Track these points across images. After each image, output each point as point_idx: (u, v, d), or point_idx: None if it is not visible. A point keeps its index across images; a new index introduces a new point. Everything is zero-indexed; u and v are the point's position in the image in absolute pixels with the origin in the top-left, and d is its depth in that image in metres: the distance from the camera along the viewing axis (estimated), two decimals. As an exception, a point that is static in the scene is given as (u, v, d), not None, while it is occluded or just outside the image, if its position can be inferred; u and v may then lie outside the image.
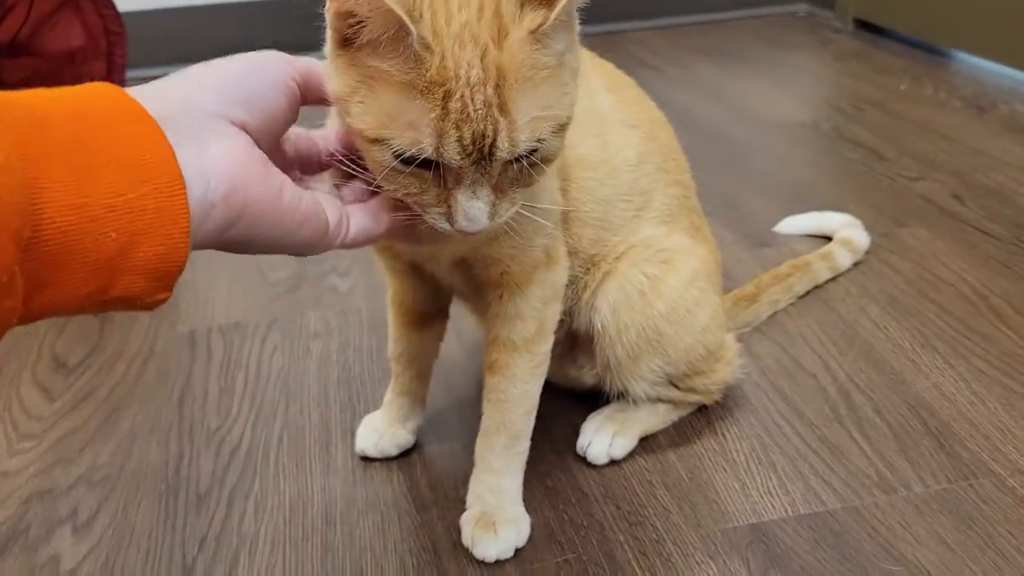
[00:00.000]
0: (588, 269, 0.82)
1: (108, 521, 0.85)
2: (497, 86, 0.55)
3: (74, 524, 0.85)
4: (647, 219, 0.83)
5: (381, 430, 0.90)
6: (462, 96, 0.54)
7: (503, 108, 0.55)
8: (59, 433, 0.98)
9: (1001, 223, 1.30)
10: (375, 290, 1.23)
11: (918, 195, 1.41)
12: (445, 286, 0.82)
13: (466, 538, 0.78)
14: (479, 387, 1.01)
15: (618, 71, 0.87)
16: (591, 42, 0.71)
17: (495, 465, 0.79)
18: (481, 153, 0.56)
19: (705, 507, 0.82)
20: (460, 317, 0.94)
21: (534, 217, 0.65)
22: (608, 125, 0.80)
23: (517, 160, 0.58)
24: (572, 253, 0.79)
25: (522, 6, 0.56)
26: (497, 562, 0.77)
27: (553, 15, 0.55)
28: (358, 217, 0.61)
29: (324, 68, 0.60)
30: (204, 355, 1.12)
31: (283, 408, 1.00)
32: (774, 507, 0.81)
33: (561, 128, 0.60)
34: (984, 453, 0.85)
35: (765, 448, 0.88)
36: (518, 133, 0.56)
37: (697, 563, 0.76)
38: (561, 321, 0.80)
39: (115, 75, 1.55)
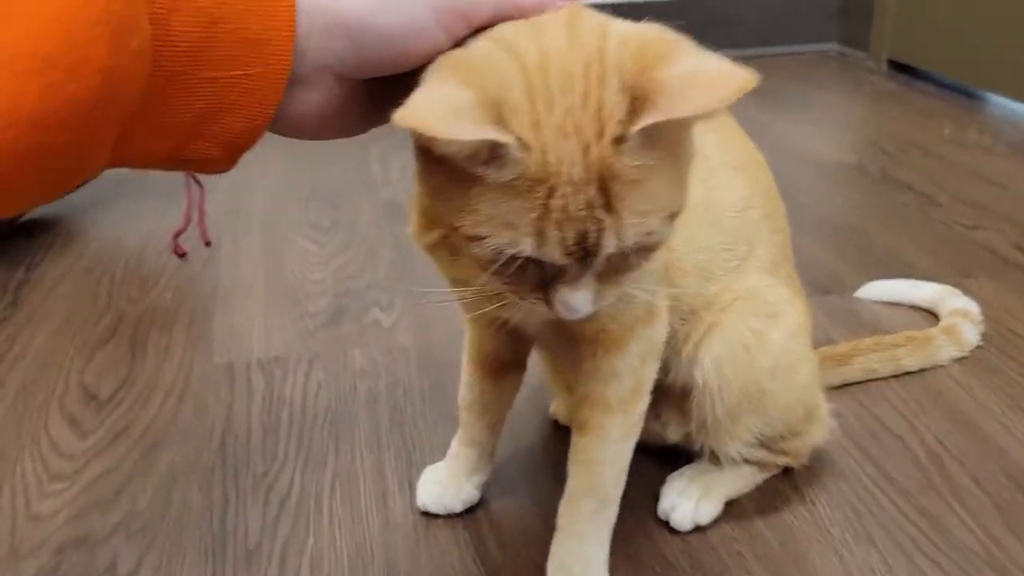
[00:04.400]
0: (686, 319, 0.76)
1: (151, 576, 0.79)
2: (601, 186, 0.51)
3: (114, 578, 0.79)
4: (751, 268, 0.77)
5: (444, 484, 0.84)
6: (564, 195, 0.50)
7: (608, 207, 0.51)
8: (93, 474, 0.92)
9: (1070, 277, 1.25)
10: (421, 327, 1.17)
11: (978, 244, 1.36)
12: (530, 339, 0.77)
13: (548, 612, 0.72)
14: (543, 437, 0.96)
15: None
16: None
17: (581, 531, 0.73)
18: (585, 251, 0.52)
19: (803, 583, 0.76)
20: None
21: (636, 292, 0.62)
22: (713, 168, 0.75)
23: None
24: (673, 305, 0.73)
25: (631, 100, 0.51)
26: (583, 638, 0.71)
27: (638, 127, 0.50)
28: None
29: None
30: (244, 391, 1.05)
31: (333, 452, 0.94)
32: (879, 585, 0.75)
33: (672, 216, 0.56)
34: (1096, 531, 0.80)
35: (860, 517, 0.82)
36: (625, 231, 0.52)
37: (801, 647, 0.70)
38: None
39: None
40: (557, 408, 0.97)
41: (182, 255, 1.41)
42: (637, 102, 0.50)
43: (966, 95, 2.13)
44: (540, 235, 0.51)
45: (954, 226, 1.43)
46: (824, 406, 0.86)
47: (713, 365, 0.76)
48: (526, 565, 0.78)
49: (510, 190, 0.50)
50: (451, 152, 0.50)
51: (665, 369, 0.77)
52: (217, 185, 1.68)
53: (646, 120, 0.49)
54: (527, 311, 0.60)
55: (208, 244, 1.44)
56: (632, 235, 0.52)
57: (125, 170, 0.55)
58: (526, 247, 0.51)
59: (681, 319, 0.75)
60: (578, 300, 0.54)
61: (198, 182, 1.60)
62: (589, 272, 0.54)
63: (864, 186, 1.62)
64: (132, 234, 1.50)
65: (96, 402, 1.04)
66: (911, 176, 1.64)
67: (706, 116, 0.50)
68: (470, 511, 0.85)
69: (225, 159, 0.56)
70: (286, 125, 0.57)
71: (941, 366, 1.04)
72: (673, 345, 0.75)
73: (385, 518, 0.85)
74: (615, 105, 0.50)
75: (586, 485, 0.72)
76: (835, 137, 1.90)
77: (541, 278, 0.55)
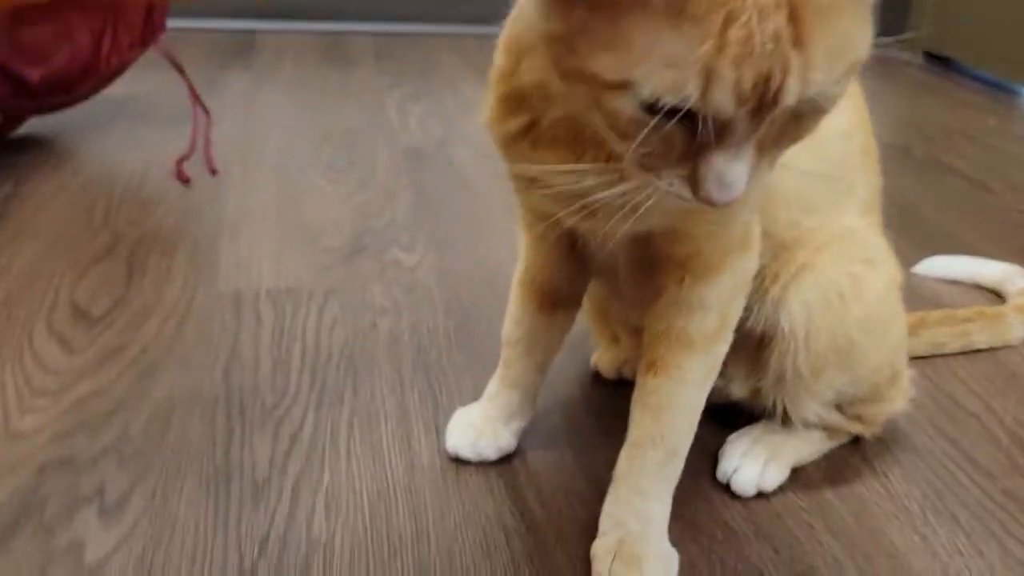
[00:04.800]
0: (777, 255, 0.67)
1: (143, 506, 0.69)
2: (791, 12, 0.41)
3: (101, 505, 0.69)
4: (848, 206, 0.69)
5: (480, 428, 0.75)
6: (747, 22, 0.40)
7: (798, 41, 0.42)
8: (80, 392, 0.82)
9: None
10: (445, 269, 1.08)
11: (1035, 232, 1.29)
12: (596, 263, 0.67)
13: (601, 573, 0.63)
14: (584, 389, 0.87)
15: None
16: None
17: (643, 485, 0.64)
18: (761, 100, 0.42)
19: (884, 562, 0.67)
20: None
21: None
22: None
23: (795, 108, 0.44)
24: (764, 236, 0.64)
25: None
26: (637, 606, 0.62)
27: None
28: None
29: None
30: (252, 321, 0.96)
31: (350, 390, 0.85)
32: (969, 570, 0.66)
33: (852, 69, 0.46)
34: None
35: (940, 496, 0.74)
36: (813, 74, 0.43)
37: (884, 631, 0.61)
38: None
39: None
40: (599, 359, 0.88)
41: (186, 181, 1.31)
42: None
43: (1002, 89, 2.06)
44: (711, 76, 0.41)
45: (1010, 212, 1.35)
46: (907, 373, 0.77)
47: (803, 310, 0.67)
48: (570, 522, 0.70)
49: (678, 16, 0.41)
50: None
51: (746, 311, 0.67)
52: (225, 117, 1.58)
53: None
54: (630, 207, 0.50)
55: (214, 173, 1.34)
56: (820, 80, 0.43)
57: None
58: (691, 92, 0.41)
59: (771, 255, 0.66)
60: (736, 173, 0.44)
61: (205, 109, 1.50)
62: (755, 135, 0.44)
63: (911, 168, 1.54)
64: (132, 158, 1.40)
65: (87, 320, 0.94)
66: (959, 162, 1.57)
67: None
68: (504, 460, 0.76)
69: None
70: None
71: (1011, 346, 0.96)
72: (758, 284, 0.66)
73: (409, 461, 0.75)
74: None
75: (654, 433, 0.63)
76: (877, 121, 1.82)
77: (689, 146, 0.45)
